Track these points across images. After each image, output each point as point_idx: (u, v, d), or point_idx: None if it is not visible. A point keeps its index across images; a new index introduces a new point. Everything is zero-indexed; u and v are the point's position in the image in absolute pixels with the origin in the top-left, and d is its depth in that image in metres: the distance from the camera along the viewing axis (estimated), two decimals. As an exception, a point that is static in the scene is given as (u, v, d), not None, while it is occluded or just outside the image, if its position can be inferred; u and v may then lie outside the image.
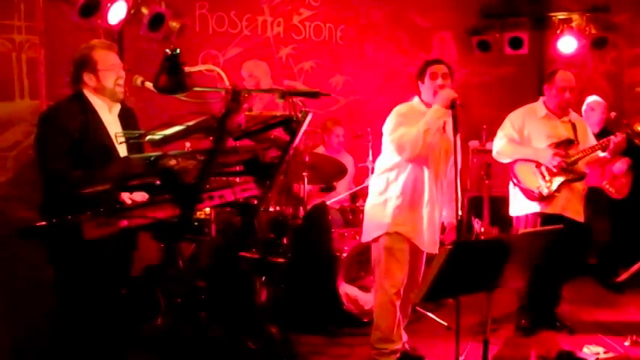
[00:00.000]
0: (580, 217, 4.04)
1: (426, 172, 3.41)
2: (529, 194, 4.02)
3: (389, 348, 3.47)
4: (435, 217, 3.46)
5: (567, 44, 6.25)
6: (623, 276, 2.88)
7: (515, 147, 4.07)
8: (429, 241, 3.47)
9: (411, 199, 3.41)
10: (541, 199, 3.97)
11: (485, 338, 2.47)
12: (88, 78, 2.92)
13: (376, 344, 3.51)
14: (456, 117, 3.18)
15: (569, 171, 3.95)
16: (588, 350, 3.70)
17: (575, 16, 6.29)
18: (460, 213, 3.16)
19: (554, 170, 3.94)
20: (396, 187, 3.46)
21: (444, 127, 3.45)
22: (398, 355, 3.50)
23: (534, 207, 4.01)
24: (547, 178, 3.96)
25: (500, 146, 4.12)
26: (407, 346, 3.69)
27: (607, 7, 6.21)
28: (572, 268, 4.27)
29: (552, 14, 6.46)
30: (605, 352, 3.68)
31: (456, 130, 3.14)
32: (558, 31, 6.33)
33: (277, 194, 4.20)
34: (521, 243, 2.37)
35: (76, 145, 2.81)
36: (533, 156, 4.01)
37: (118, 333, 2.98)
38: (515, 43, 6.35)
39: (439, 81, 3.39)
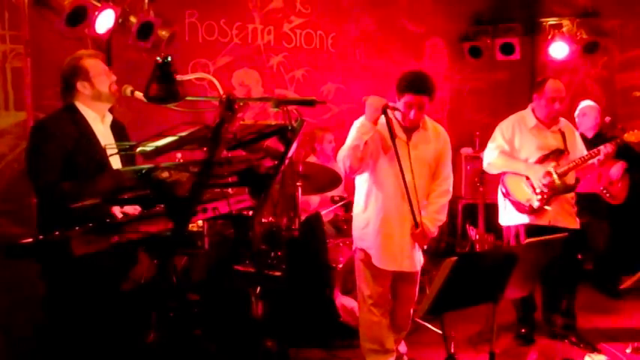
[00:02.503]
0: (574, 225, 3.99)
1: (387, 186, 3.28)
2: (519, 207, 3.98)
3: None
4: (405, 232, 3.28)
5: (559, 49, 6.24)
6: (627, 283, 2.83)
7: (507, 160, 4.03)
8: (392, 258, 3.31)
9: (373, 215, 3.34)
10: (531, 212, 3.93)
11: (491, 350, 2.40)
12: (82, 86, 2.90)
13: (368, 357, 3.45)
14: (389, 122, 3.13)
15: (558, 185, 3.89)
16: (590, 359, 3.65)
17: (565, 22, 6.29)
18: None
19: (545, 189, 3.88)
20: (358, 203, 3.45)
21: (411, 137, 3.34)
22: None
23: (524, 219, 3.98)
24: (537, 190, 3.91)
25: (492, 158, 4.08)
26: (406, 358, 3.62)
27: (597, 12, 6.22)
28: (575, 278, 4.20)
29: (543, 20, 6.45)
30: (607, 361, 3.63)
31: (392, 135, 3.11)
32: (549, 37, 6.32)
33: (272, 205, 4.12)
34: (527, 253, 2.31)
35: (68, 156, 2.77)
36: (524, 171, 3.97)
37: (111, 349, 2.89)
38: (507, 49, 6.34)
39: (412, 114, 3.24)
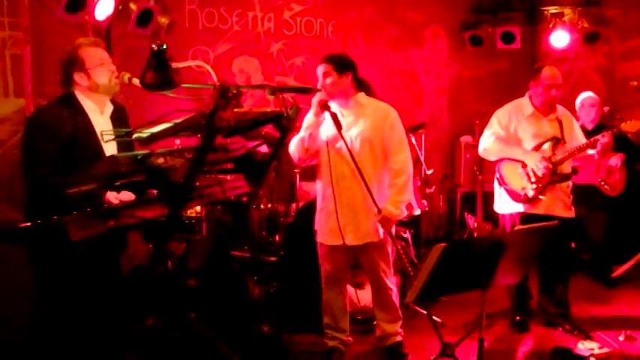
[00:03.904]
0: (569, 213, 4.02)
1: (326, 170, 3.41)
2: (514, 195, 4.00)
3: (330, 333, 3.65)
4: (349, 210, 3.40)
5: (559, 38, 6.24)
6: (618, 272, 2.86)
7: (503, 146, 4.04)
8: (332, 234, 3.45)
9: (322, 198, 3.52)
10: (526, 200, 3.95)
11: (480, 337, 2.44)
12: (79, 78, 2.86)
13: (324, 328, 3.68)
14: (334, 115, 3.26)
15: (554, 173, 3.91)
16: (583, 346, 3.69)
17: (567, 11, 6.28)
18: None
19: (541, 174, 3.89)
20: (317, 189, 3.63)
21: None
22: (337, 342, 3.64)
23: (519, 207, 4.00)
24: (533, 179, 3.92)
25: (488, 144, 4.09)
26: (400, 337, 3.66)
27: (598, 1, 6.21)
28: (569, 266, 4.24)
29: (544, 8, 6.44)
30: (599, 348, 3.66)
31: (338, 127, 3.24)
32: (550, 26, 6.31)
33: (269, 192, 4.16)
34: (516, 240, 2.34)
35: (64, 149, 2.75)
36: (521, 156, 3.97)
37: (110, 335, 2.94)
38: (508, 38, 6.33)
39: (319, 83, 3.43)
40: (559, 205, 3.98)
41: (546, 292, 4.21)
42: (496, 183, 4.16)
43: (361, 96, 3.50)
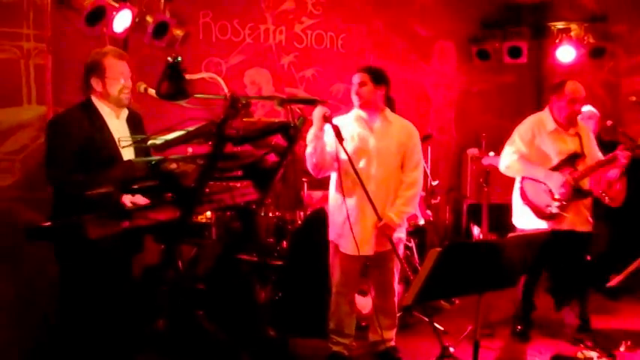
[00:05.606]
0: (588, 227, 4.09)
1: (345, 181, 3.49)
2: (538, 212, 4.04)
3: (335, 339, 3.74)
4: (363, 221, 3.51)
5: (566, 53, 6.31)
6: (615, 281, 2.93)
7: (526, 165, 4.05)
8: (353, 245, 3.50)
9: (335, 207, 3.62)
10: (550, 217, 3.99)
11: (475, 340, 2.52)
12: (95, 83, 3.03)
13: (330, 333, 3.76)
14: (337, 128, 3.34)
15: (577, 190, 3.97)
16: (582, 355, 3.75)
17: (573, 26, 6.36)
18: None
19: (563, 197, 3.94)
20: (331, 197, 3.72)
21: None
22: (341, 348, 3.72)
23: (542, 224, 4.02)
24: (556, 197, 3.96)
25: (510, 162, 4.09)
26: (393, 342, 3.75)
27: (605, 17, 6.29)
28: (586, 280, 4.30)
29: (551, 24, 6.53)
30: (598, 358, 3.72)
31: (340, 139, 3.33)
32: (557, 41, 6.39)
33: (275, 199, 4.27)
34: (512, 246, 2.44)
35: (81, 150, 2.91)
36: (542, 178, 4.00)
37: (123, 334, 3.05)
38: (515, 52, 6.41)
39: (353, 91, 3.57)
40: (581, 220, 4.04)
41: (559, 306, 4.25)
42: (519, 199, 4.16)
43: (388, 112, 3.65)
